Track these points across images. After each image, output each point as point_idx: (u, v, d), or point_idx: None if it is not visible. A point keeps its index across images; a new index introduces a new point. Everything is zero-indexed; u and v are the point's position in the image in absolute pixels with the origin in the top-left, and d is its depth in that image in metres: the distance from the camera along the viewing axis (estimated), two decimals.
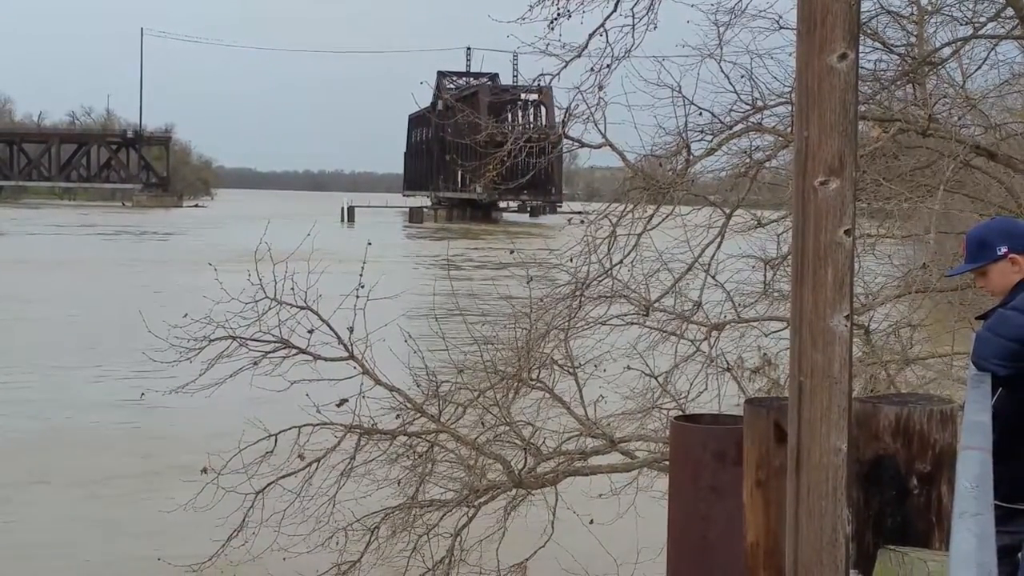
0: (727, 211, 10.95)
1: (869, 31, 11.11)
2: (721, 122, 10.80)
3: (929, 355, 10.71)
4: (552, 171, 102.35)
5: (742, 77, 10.71)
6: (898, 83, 11.26)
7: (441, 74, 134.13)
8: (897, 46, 11.71)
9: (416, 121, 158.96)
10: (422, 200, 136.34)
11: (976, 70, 12.16)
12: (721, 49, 10.88)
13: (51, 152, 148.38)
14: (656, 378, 10.57)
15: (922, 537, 4.87)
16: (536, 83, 12.65)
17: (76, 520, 14.71)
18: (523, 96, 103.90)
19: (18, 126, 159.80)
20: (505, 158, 11.93)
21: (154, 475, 16.12)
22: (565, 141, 11.88)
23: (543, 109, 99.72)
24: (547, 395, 10.60)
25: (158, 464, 16.58)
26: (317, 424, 10.06)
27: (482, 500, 10.29)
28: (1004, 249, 4.84)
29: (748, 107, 10.73)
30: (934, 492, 4.91)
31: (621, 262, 10.80)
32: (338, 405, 10.13)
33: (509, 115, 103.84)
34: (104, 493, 15.85)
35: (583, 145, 11.70)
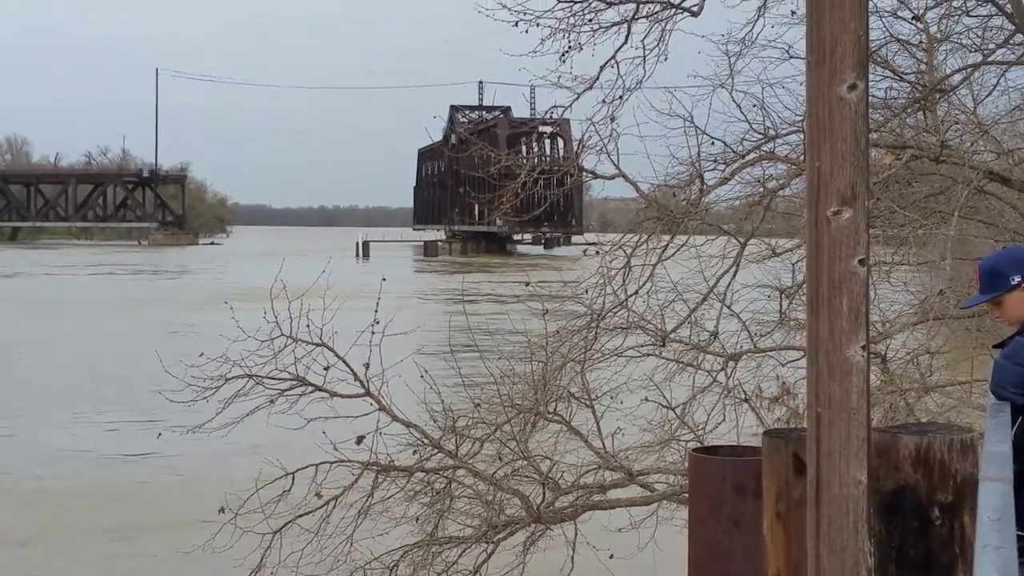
0: (741, 240, 10.93)
1: (879, 59, 11.12)
2: (734, 151, 10.81)
3: (948, 383, 10.64)
4: (572, 202, 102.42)
5: (754, 106, 10.75)
6: (909, 110, 11.26)
7: (454, 108, 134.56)
8: (907, 73, 11.73)
9: (426, 155, 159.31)
10: (434, 233, 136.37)
11: (987, 96, 12.17)
12: (732, 79, 10.92)
13: (68, 192, 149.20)
14: (674, 409, 10.53)
15: (945, 569, 4.82)
16: (549, 115, 12.68)
17: (91, 563, 14.67)
18: (540, 128, 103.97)
19: (35, 167, 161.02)
20: (519, 190, 11.94)
21: (170, 516, 16.07)
22: (570, 172, 11.91)
23: (560, 141, 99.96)
24: (564, 428, 10.57)
25: (174, 505, 16.53)
26: (334, 462, 10.03)
27: (501, 536, 10.24)
28: (1018, 278, 4.80)
29: (760, 136, 10.75)
30: (956, 523, 4.87)
31: (636, 293, 10.78)
32: (357, 442, 10.11)
33: (524, 147, 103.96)
34: (119, 536, 15.81)
35: (596, 176, 11.73)
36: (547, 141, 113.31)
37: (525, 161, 14.24)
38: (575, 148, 11.90)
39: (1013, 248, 5.32)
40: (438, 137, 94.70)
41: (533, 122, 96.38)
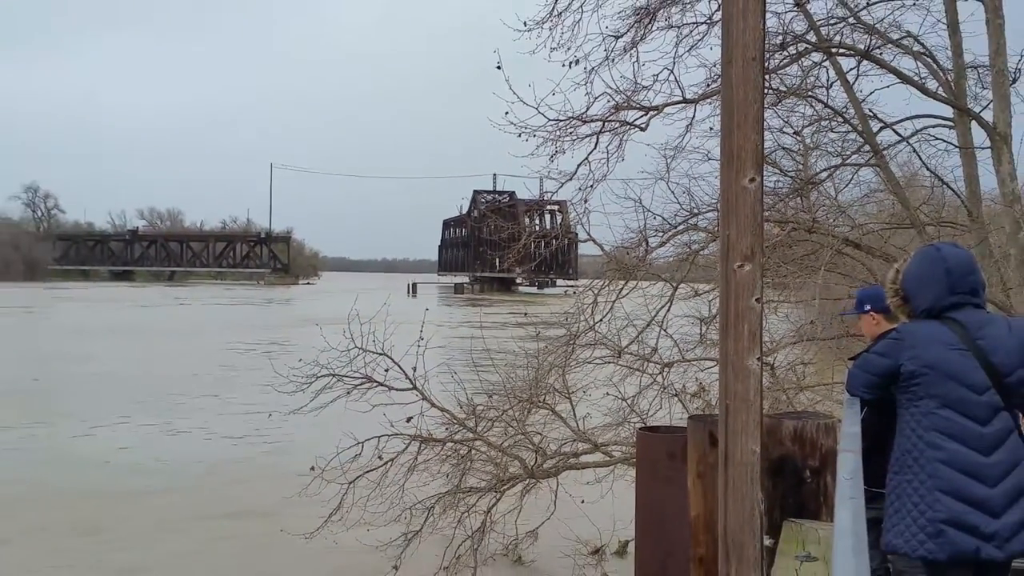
0: (674, 285, 10.92)
1: (770, 161, 11.14)
2: (669, 224, 10.79)
3: (816, 384, 10.62)
4: (570, 256, 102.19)
5: (684, 192, 10.76)
6: (790, 196, 11.28)
7: (476, 192, 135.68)
8: (789, 171, 11.78)
9: (449, 223, 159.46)
10: (454, 278, 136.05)
11: (845, 187, 12.23)
12: (668, 173, 10.91)
13: (209, 248, 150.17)
14: (626, 400, 10.50)
15: (814, 513, 4.82)
16: (544, 197, 12.69)
17: (210, 502, 14.55)
18: (548, 207, 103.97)
19: (186, 231, 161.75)
20: (520, 249, 11.95)
21: (274, 472, 15.98)
22: (565, 238, 11.90)
23: (559, 215, 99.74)
24: (551, 413, 10.56)
25: (275, 468, 16.46)
26: (391, 435, 10.04)
27: (505, 487, 10.21)
28: (868, 307, 4.93)
29: (688, 213, 10.76)
30: (822, 481, 4.87)
31: (601, 320, 10.77)
32: (407, 421, 10.15)
33: (526, 220, 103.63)
34: (239, 485, 15.72)
35: (576, 240, 11.71)
36: (548, 215, 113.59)
37: (527, 230, 14.24)
38: (564, 221, 11.92)
39: (874, 287, 5.37)
40: (462, 211, 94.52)
41: (541, 202, 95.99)
